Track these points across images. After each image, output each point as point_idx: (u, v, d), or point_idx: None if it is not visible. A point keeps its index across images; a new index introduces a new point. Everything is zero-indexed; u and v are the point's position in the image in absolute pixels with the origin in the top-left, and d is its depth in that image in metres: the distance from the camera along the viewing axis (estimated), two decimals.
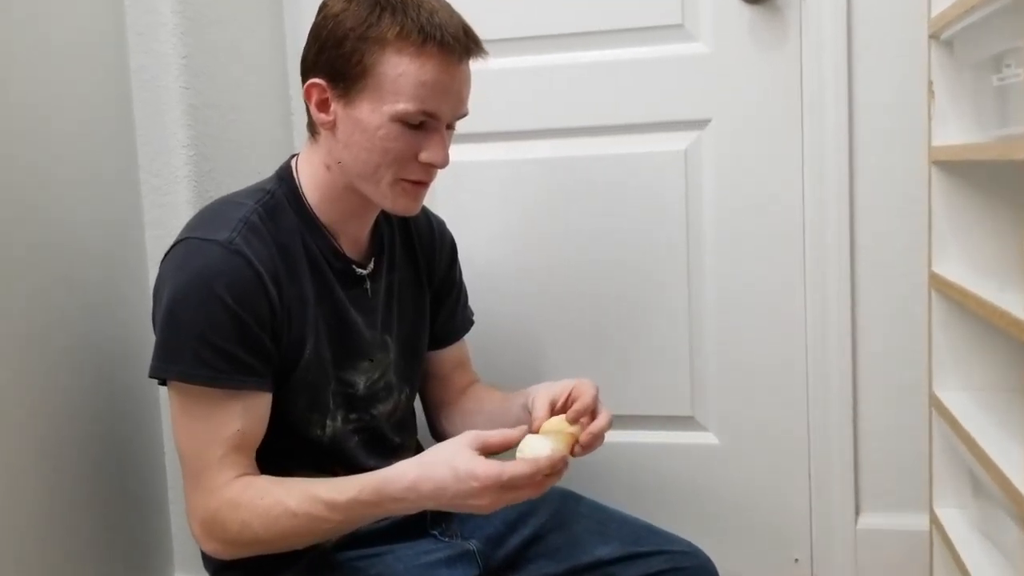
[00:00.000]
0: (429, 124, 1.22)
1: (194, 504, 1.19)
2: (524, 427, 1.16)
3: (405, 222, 1.42)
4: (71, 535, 1.40)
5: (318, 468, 1.26)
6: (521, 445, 1.12)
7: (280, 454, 1.24)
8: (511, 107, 1.83)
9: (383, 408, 1.36)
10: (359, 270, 1.32)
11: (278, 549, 1.18)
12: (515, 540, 1.35)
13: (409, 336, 1.40)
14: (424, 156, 1.22)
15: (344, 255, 1.30)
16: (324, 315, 1.27)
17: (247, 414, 1.18)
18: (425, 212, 1.47)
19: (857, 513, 1.76)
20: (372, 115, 1.20)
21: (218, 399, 1.17)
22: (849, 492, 1.75)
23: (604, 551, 1.34)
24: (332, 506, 1.12)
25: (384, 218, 1.37)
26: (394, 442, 1.38)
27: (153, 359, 1.19)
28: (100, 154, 1.52)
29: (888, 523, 1.74)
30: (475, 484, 1.06)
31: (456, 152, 1.79)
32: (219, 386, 1.16)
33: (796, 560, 1.79)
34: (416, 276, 1.43)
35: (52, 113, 1.40)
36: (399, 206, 1.26)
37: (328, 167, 1.27)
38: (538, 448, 1.11)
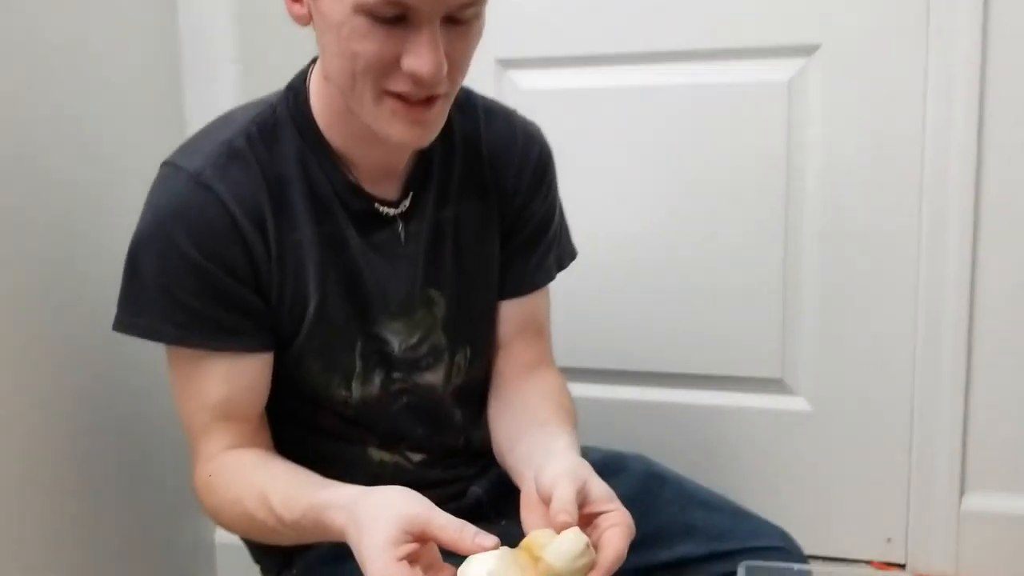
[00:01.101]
0: (410, 18, 0.90)
1: (192, 468, 1.08)
2: (495, 541, 0.84)
3: (475, 136, 1.13)
4: (102, 540, 1.34)
5: (342, 435, 1.12)
6: (465, 564, 0.82)
7: (298, 417, 1.10)
8: (585, 28, 1.60)
9: (432, 377, 1.15)
10: (386, 210, 1.07)
11: (255, 540, 1.09)
12: None
13: (469, 287, 1.16)
14: (405, 63, 0.91)
15: (363, 190, 1.06)
16: (334, 266, 1.05)
17: (234, 379, 1.03)
18: (509, 119, 1.18)
19: (962, 493, 1.61)
20: (335, 7, 0.91)
21: (195, 360, 1.02)
22: (955, 469, 1.60)
23: (686, 549, 1.17)
24: (281, 521, 0.97)
25: (441, 136, 1.04)
26: (454, 418, 1.18)
27: (117, 309, 1.03)
28: (145, 128, 1.44)
29: (996, 505, 1.59)
30: (366, 567, 0.84)
31: (512, 79, 1.62)
32: (191, 346, 1.02)
33: (889, 540, 1.65)
34: (485, 209, 1.15)
35: (95, 80, 1.33)
36: (395, 132, 0.96)
37: (326, 77, 1.00)
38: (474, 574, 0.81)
